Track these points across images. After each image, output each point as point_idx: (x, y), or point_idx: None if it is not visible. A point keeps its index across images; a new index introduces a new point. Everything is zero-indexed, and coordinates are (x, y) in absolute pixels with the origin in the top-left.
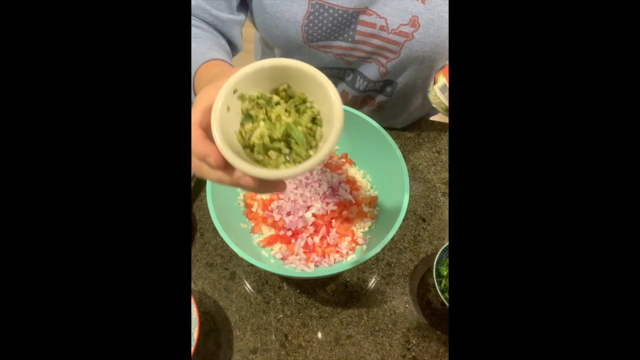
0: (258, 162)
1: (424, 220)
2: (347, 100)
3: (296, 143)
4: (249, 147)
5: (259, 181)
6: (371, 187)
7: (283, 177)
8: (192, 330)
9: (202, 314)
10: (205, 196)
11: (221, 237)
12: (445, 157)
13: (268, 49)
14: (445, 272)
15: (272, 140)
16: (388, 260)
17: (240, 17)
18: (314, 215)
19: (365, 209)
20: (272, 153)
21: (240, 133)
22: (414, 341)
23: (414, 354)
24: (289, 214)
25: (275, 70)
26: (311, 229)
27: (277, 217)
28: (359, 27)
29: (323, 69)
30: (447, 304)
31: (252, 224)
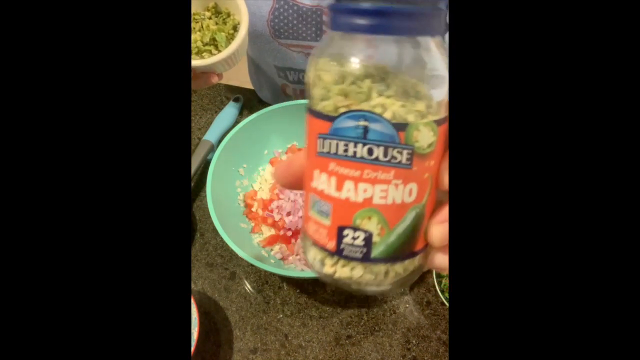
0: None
1: None
2: None
3: (221, 44)
4: None
5: (196, 72)
6: None
7: (212, 63)
8: (192, 331)
9: (202, 314)
10: (205, 196)
11: (221, 237)
12: None
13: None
14: (445, 272)
15: (204, 44)
16: None
17: None
18: None
19: None
20: (205, 54)
21: None
22: (414, 341)
23: (414, 354)
24: (289, 214)
25: None
26: None
27: (277, 217)
28: (325, 27)
29: (296, 70)
30: (447, 304)
31: (252, 224)
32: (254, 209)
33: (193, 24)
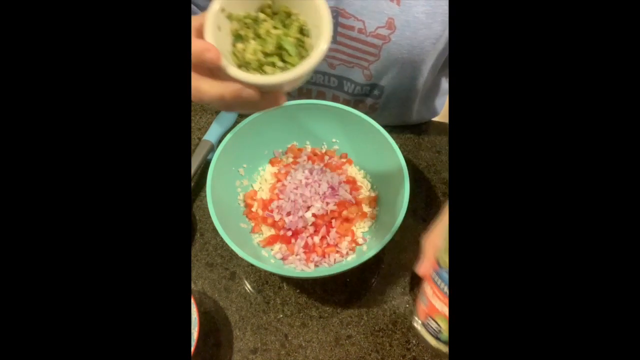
0: None
1: (424, 220)
2: None
3: (289, 54)
4: (244, 66)
5: (260, 92)
6: (371, 187)
7: (283, 82)
8: (192, 330)
9: (202, 314)
10: (205, 196)
11: (221, 237)
12: (445, 157)
13: None
14: None
15: (265, 55)
16: (388, 260)
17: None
18: (314, 215)
19: (365, 209)
20: (267, 68)
21: (234, 53)
22: (414, 341)
23: (414, 354)
24: (289, 214)
25: None
26: (311, 229)
27: (277, 217)
28: (340, 30)
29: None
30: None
31: (252, 224)
32: (254, 209)
33: (244, 30)
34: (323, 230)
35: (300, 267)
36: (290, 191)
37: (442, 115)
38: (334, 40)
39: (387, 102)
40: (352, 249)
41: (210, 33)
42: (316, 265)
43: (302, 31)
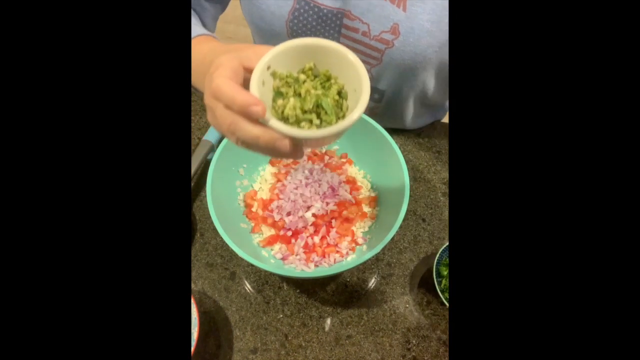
0: None
1: (424, 220)
2: None
3: (326, 113)
4: (282, 120)
5: (293, 145)
6: (371, 187)
7: (320, 137)
8: (192, 330)
9: (202, 314)
10: (205, 196)
11: (221, 237)
12: (445, 157)
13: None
14: (445, 272)
15: (303, 111)
16: (388, 260)
17: (214, 7)
18: (314, 215)
19: (365, 209)
20: (304, 124)
21: (274, 107)
22: (414, 341)
23: (414, 354)
24: (289, 214)
25: (304, 49)
26: (311, 229)
27: (277, 217)
28: (343, 31)
29: None
30: (447, 304)
31: (252, 224)
32: (254, 209)
33: (285, 89)
34: (323, 230)
35: (300, 267)
36: (290, 191)
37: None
38: (337, 41)
39: (387, 106)
40: (352, 249)
41: (256, 87)
42: (316, 265)
43: (340, 94)
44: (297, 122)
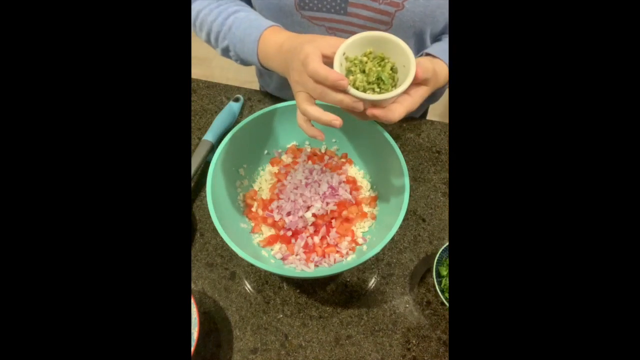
0: None
1: (424, 220)
2: None
3: (384, 83)
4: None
5: (362, 105)
6: (371, 187)
7: (382, 99)
8: (192, 330)
9: (202, 314)
10: (205, 196)
11: (221, 237)
12: (445, 157)
13: None
14: (445, 272)
15: (368, 83)
16: (388, 260)
17: None
18: (314, 215)
19: (365, 209)
20: (369, 92)
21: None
22: (414, 341)
23: (414, 354)
24: (289, 214)
25: (365, 39)
26: (311, 229)
27: (277, 217)
28: None
29: None
30: (447, 304)
31: (252, 224)
32: (254, 209)
33: (353, 67)
34: (323, 230)
35: (300, 267)
36: (290, 191)
37: (442, 115)
38: (344, 12)
39: None
40: (352, 249)
41: (338, 67)
42: (316, 265)
43: (393, 69)
44: (364, 91)
